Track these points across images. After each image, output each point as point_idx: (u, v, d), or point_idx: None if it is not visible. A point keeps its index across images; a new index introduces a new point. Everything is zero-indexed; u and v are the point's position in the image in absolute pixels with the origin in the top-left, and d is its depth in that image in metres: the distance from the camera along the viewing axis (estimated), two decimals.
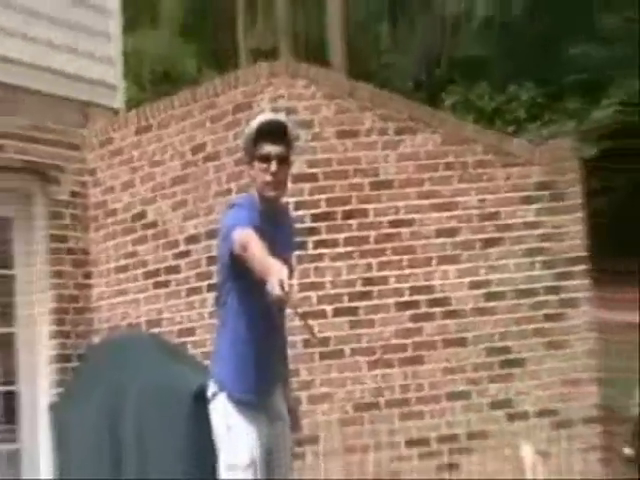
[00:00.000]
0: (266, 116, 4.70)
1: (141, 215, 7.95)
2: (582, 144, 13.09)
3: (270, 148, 4.50)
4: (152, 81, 18.44)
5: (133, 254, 7.97)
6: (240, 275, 4.37)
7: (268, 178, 4.49)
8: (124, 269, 8.02)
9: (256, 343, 4.54)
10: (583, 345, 7.44)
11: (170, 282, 7.68)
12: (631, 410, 3.46)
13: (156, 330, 7.69)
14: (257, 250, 4.15)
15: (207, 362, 7.15)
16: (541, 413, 7.35)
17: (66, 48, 8.32)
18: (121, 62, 8.99)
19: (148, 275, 7.84)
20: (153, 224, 7.85)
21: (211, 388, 4.62)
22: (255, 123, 4.57)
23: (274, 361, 4.70)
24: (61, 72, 8.25)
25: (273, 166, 4.49)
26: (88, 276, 8.20)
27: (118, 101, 8.81)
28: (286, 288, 3.84)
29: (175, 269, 7.65)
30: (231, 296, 4.51)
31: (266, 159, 4.50)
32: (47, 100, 8.11)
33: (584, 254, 7.56)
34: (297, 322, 6.25)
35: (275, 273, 3.90)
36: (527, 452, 6.64)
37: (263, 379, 4.62)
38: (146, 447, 6.91)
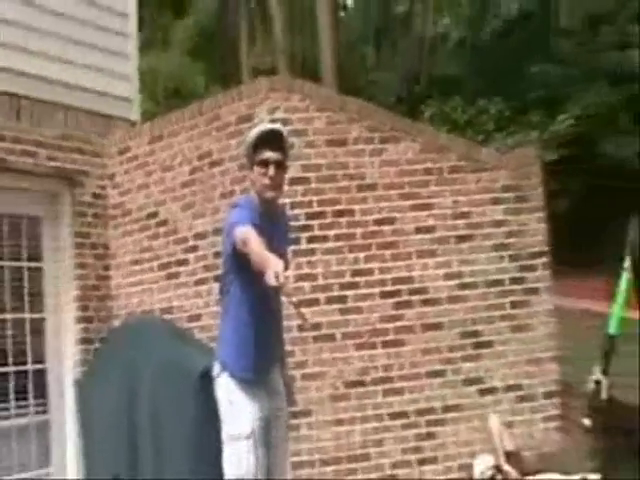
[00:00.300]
0: (265, 126, 4.69)
1: (154, 214, 7.92)
2: (543, 152, 13.08)
3: (268, 154, 4.49)
4: (165, 96, 18.41)
5: (147, 249, 7.93)
6: (241, 267, 4.36)
7: (266, 181, 4.48)
8: (139, 262, 7.98)
9: (255, 327, 4.52)
10: (544, 328, 7.42)
11: (180, 274, 7.64)
12: (587, 386, 3.44)
13: (167, 316, 7.65)
14: (255, 246, 4.14)
15: (212, 345, 7.16)
16: (507, 388, 7.32)
17: (90, 67, 8.31)
18: (137, 79, 8.97)
19: (161, 267, 7.80)
20: (165, 222, 7.82)
21: (215, 368, 4.60)
22: (255, 132, 4.55)
23: (271, 343, 4.67)
24: (86, 88, 8.25)
25: (271, 170, 4.48)
26: (108, 268, 8.18)
27: (134, 114, 8.78)
28: (281, 279, 3.84)
29: (184, 262, 7.61)
30: (233, 286, 4.49)
31: (265, 164, 4.49)
32: (74, 113, 8.11)
33: (545, 249, 7.54)
34: (292, 309, 6.24)
35: (272, 266, 3.90)
36: (494, 423, 6.61)
37: (262, 359, 4.60)
38: (159, 420, 6.88)
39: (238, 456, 4.47)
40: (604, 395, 3.46)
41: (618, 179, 14.71)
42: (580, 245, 13.96)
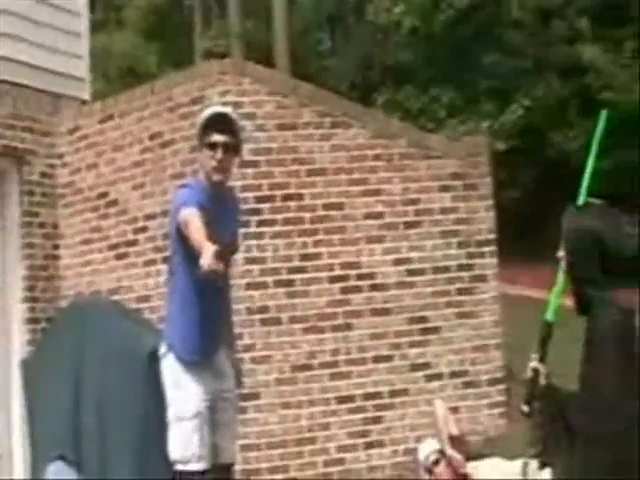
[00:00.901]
0: (214, 108, 4.68)
1: (104, 194, 7.82)
2: (493, 141, 13.15)
3: (217, 137, 4.45)
4: (118, 76, 18.20)
5: (97, 229, 7.84)
6: (187, 247, 4.32)
7: (214, 164, 4.45)
8: (88, 242, 7.90)
9: (201, 308, 4.49)
10: (490, 316, 7.46)
11: (129, 254, 7.56)
12: (526, 372, 3.46)
13: (116, 297, 7.58)
14: (194, 229, 4.15)
15: (161, 326, 7.11)
16: (453, 374, 7.36)
17: (40, 45, 8.16)
18: (89, 58, 8.85)
19: (110, 248, 7.73)
20: (115, 202, 7.73)
21: (162, 348, 4.55)
22: (205, 114, 4.53)
23: (218, 324, 4.64)
24: (36, 67, 8.11)
25: (219, 153, 4.44)
26: (56, 248, 8.07)
27: (85, 93, 8.67)
28: (211, 267, 3.85)
29: (134, 243, 7.54)
30: (180, 266, 4.45)
31: (213, 147, 4.45)
32: (23, 92, 7.97)
33: (493, 237, 7.58)
34: (241, 292, 6.20)
35: (204, 252, 3.91)
36: (439, 407, 6.62)
37: (207, 340, 4.57)
38: (106, 400, 6.83)
39: (184, 437, 4.44)
40: (542, 382, 3.47)
41: (566, 170, 14.83)
42: (528, 234, 14.08)
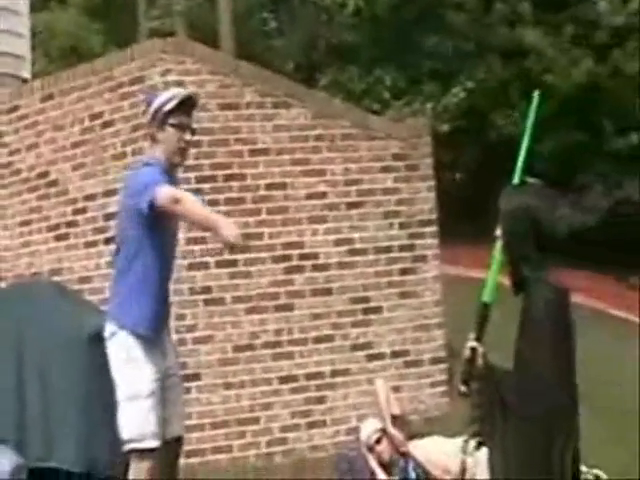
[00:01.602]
0: (183, 91, 4.72)
1: (44, 174, 7.71)
2: (436, 123, 13.18)
3: (186, 119, 4.48)
4: (61, 55, 17.90)
5: (37, 209, 7.73)
6: (152, 226, 4.33)
7: (182, 145, 4.47)
8: (28, 223, 7.78)
9: (157, 285, 4.48)
10: (431, 295, 7.49)
11: (69, 235, 7.47)
12: (464, 351, 3.45)
13: (57, 278, 7.47)
14: (195, 205, 4.25)
15: (103, 307, 7.02)
16: (395, 354, 7.39)
17: None
18: (29, 36, 8.69)
19: (50, 229, 7.63)
20: (55, 182, 7.63)
21: (109, 328, 4.48)
22: (175, 95, 4.51)
23: (167, 301, 4.62)
24: None
25: (188, 135, 4.48)
26: None
27: (26, 71, 8.52)
28: (239, 239, 4.04)
29: (74, 224, 7.44)
30: (138, 243, 4.40)
31: (182, 128, 4.46)
32: None
33: (434, 217, 7.61)
34: (183, 272, 6.14)
35: (225, 225, 4.04)
36: (381, 386, 6.63)
37: (160, 317, 4.56)
38: (48, 381, 6.73)
39: (140, 415, 4.40)
40: (479, 362, 3.46)
41: (507, 152, 14.92)
42: (470, 215, 14.16)
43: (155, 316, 4.49)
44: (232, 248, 4.22)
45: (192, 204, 4.24)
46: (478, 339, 3.52)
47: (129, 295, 4.46)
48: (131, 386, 4.41)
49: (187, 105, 4.50)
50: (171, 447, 4.55)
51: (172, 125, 4.43)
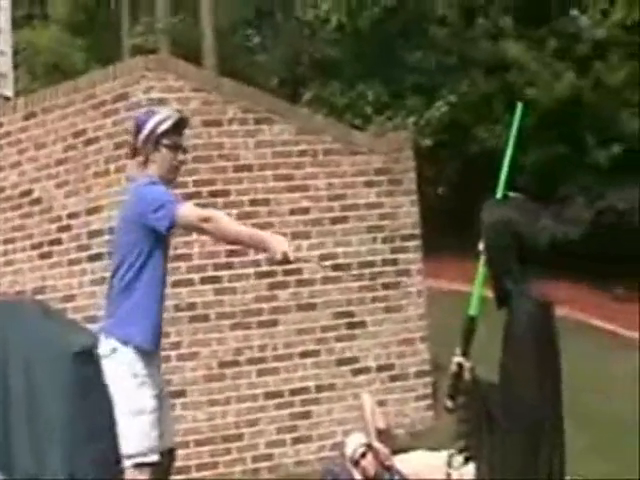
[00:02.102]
0: (174, 112, 4.77)
1: (28, 192, 7.70)
2: (419, 137, 13.22)
3: (179, 140, 4.56)
4: (44, 73, 17.90)
5: (20, 227, 7.71)
6: (159, 242, 4.40)
7: (176, 164, 4.54)
8: (12, 241, 7.76)
9: (159, 300, 4.52)
10: (416, 309, 7.51)
11: (53, 253, 7.44)
12: (450, 366, 3.45)
13: (40, 296, 7.44)
14: (234, 223, 4.40)
15: (86, 325, 7.00)
16: (380, 368, 7.39)
17: None
18: (11, 54, 8.68)
19: (33, 247, 7.60)
20: (38, 201, 7.62)
21: (109, 344, 4.47)
22: (169, 117, 4.58)
23: (162, 314, 4.67)
24: None
25: (181, 156, 4.56)
26: None
27: (8, 89, 8.51)
28: (292, 256, 4.10)
29: (58, 241, 7.43)
30: (145, 259, 4.42)
31: (176, 149, 4.53)
32: None
33: (417, 231, 7.62)
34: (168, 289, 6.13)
35: (277, 244, 4.11)
36: (366, 400, 6.64)
37: (160, 331, 4.59)
38: (34, 402, 6.69)
39: (143, 430, 4.41)
40: (466, 376, 3.47)
41: (490, 166, 14.97)
42: (453, 229, 14.19)
43: (158, 331, 4.53)
44: (283, 264, 4.23)
45: (228, 222, 4.34)
46: (464, 354, 3.53)
47: (134, 310, 4.46)
48: (136, 401, 4.42)
49: (180, 126, 4.59)
50: (165, 459, 4.57)
51: (166, 146, 4.51)
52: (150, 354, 4.50)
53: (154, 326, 4.50)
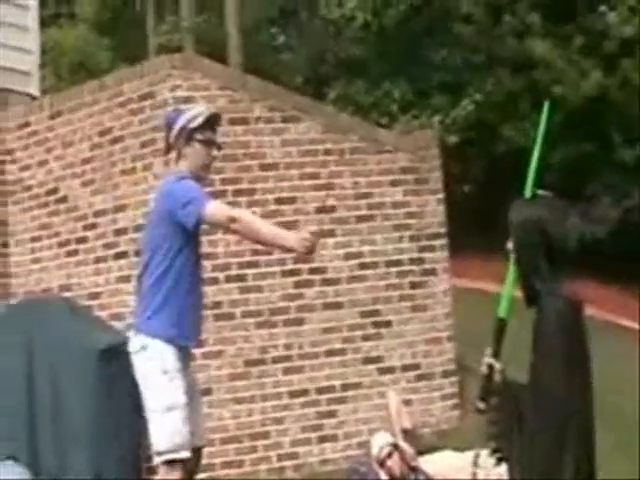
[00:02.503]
0: (207, 108, 4.84)
1: (54, 191, 7.72)
2: (445, 135, 13.19)
3: (212, 136, 4.60)
4: (70, 72, 17.99)
5: (47, 226, 7.74)
6: (190, 238, 4.44)
7: (209, 160, 4.60)
8: (38, 239, 7.79)
9: (192, 294, 4.53)
10: (442, 308, 7.48)
11: (79, 251, 7.47)
12: (481, 369, 3.43)
13: (67, 294, 7.48)
14: (259, 223, 4.41)
15: (111, 323, 7.04)
16: (406, 367, 7.37)
17: None
18: (38, 53, 8.72)
19: (60, 245, 7.63)
20: (65, 199, 7.64)
21: (139, 340, 4.48)
22: (202, 113, 4.63)
23: (201, 311, 4.70)
24: None
25: (214, 151, 4.60)
26: (6, 245, 7.95)
27: (35, 88, 8.55)
28: (315, 250, 4.17)
29: (84, 239, 7.45)
30: (175, 254, 4.44)
31: (209, 145, 4.57)
32: None
33: (443, 230, 7.60)
34: None
35: (299, 239, 4.16)
36: (392, 399, 6.62)
37: (196, 326, 4.60)
38: (59, 399, 6.76)
39: (175, 426, 4.40)
40: (497, 378, 3.46)
41: (516, 164, 14.90)
42: (479, 227, 14.14)
43: (189, 327, 4.53)
44: (309, 254, 4.26)
45: (253, 222, 4.36)
46: (495, 355, 3.51)
47: (163, 306, 4.46)
48: (168, 397, 4.41)
49: (213, 121, 4.63)
50: (193, 457, 4.56)
51: (199, 141, 4.54)
52: (181, 350, 4.50)
53: (185, 321, 4.48)
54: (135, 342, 4.52)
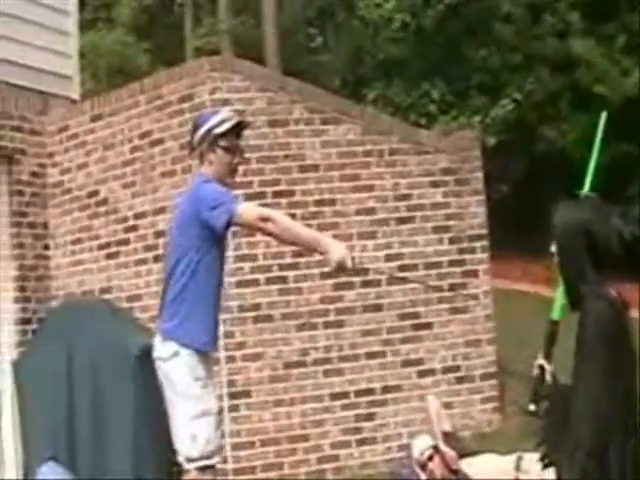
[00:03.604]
0: (233, 114, 4.74)
1: (94, 193, 7.78)
2: (484, 136, 13.12)
3: (236, 142, 4.56)
4: (108, 75, 18.12)
5: (87, 228, 7.80)
6: (218, 240, 4.41)
7: (233, 167, 4.56)
8: (79, 241, 7.85)
9: (215, 301, 4.53)
10: (482, 310, 7.44)
11: (120, 253, 7.53)
12: (532, 371, 3.43)
13: (107, 296, 7.54)
14: (294, 225, 4.40)
15: (152, 325, 7.06)
16: (446, 370, 7.34)
17: (29, 44, 8.10)
18: (78, 57, 8.80)
19: (100, 247, 7.69)
20: (105, 201, 7.69)
21: (169, 347, 4.46)
22: (228, 119, 4.57)
23: (219, 314, 4.69)
24: (25, 66, 8.05)
25: (238, 158, 4.56)
26: (47, 248, 8.02)
27: (74, 92, 8.62)
28: (349, 263, 4.10)
29: (124, 242, 7.50)
30: (201, 258, 4.42)
31: (233, 151, 4.54)
32: (12, 91, 7.92)
33: (484, 232, 7.56)
34: (233, 290, 6.15)
35: (334, 246, 4.12)
36: (432, 403, 6.60)
37: (216, 333, 4.60)
38: (98, 401, 6.81)
39: (209, 432, 4.41)
40: (548, 380, 3.45)
41: (555, 164, 14.81)
42: (517, 228, 14.07)
43: (214, 332, 4.54)
44: (338, 271, 4.17)
45: (287, 223, 4.32)
46: (547, 357, 3.50)
47: (193, 312, 4.45)
48: (201, 404, 4.42)
49: (241, 128, 4.60)
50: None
51: (223, 148, 4.50)
52: (208, 356, 4.52)
53: (211, 328, 4.49)
54: (165, 348, 4.46)
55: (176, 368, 4.45)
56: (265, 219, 4.27)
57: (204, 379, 4.45)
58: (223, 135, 4.49)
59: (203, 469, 4.41)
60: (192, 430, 4.41)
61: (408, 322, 7.25)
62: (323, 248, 4.18)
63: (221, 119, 4.56)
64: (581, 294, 3.37)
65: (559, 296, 3.51)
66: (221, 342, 6.75)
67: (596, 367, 3.25)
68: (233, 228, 4.52)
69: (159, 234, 7.18)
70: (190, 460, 4.41)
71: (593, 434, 3.23)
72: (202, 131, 4.53)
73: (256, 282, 6.94)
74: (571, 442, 3.29)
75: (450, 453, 6.06)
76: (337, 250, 4.11)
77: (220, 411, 4.50)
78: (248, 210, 4.35)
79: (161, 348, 4.48)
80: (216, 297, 4.53)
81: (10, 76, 7.90)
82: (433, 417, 6.37)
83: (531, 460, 5.28)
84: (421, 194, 7.40)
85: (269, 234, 4.41)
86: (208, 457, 4.41)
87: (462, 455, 6.17)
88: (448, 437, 6.23)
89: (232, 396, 6.77)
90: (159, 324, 4.59)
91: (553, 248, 3.47)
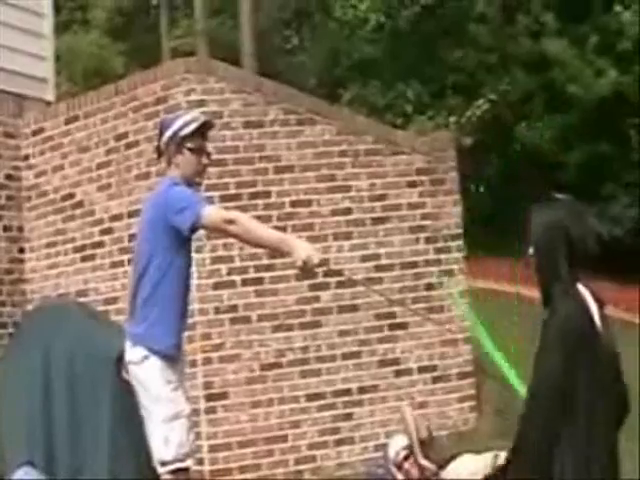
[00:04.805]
0: (198, 116, 4.73)
1: (70, 196, 7.74)
2: (460, 136, 13.16)
3: (203, 144, 4.56)
4: (84, 77, 18.06)
5: (62, 231, 7.76)
6: (183, 245, 4.40)
7: (200, 168, 4.55)
8: (54, 244, 7.81)
9: (183, 305, 4.53)
10: (458, 310, 7.45)
11: (96, 256, 7.48)
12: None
13: (83, 299, 7.49)
14: (259, 226, 4.33)
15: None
16: (422, 369, 7.35)
17: (4, 46, 8.05)
18: (53, 59, 8.74)
19: (76, 250, 7.64)
20: (80, 204, 7.65)
21: (139, 352, 4.44)
22: (193, 120, 4.56)
23: (187, 317, 4.69)
24: None
25: (205, 159, 4.55)
26: (22, 251, 7.97)
27: (50, 94, 8.57)
28: (315, 261, 4.04)
29: (100, 244, 7.47)
30: (169, 263, 4.40)
31: (199, 152, 4.52)
32: None
33: (460, 231, 7.58)
34: (209, 292, 6.11)
35: (303, 249, 4.07)
36: (407, 413, 6.55)
37: (183, 335, 4.59)
38: (76, 405, 6.76)
39: (181, 435, 4.41)
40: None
41: (532, 164, 14.88)
42: (492, 227, 14.12)
43: (181, 336, 4.53)
44: (305, 270, 4.12)
45: (251, 224, 4.29)
46: None
47: (160, 316, 4.44)
48: (173, 407, 4.42)
49: (205, 129, 4.58)
50: None
51: (189, 149, 4.50)
52: (178, 358, 4.52)
53: (178, 332, 4.50)
54: (136, 352, 4.46)
55: (147, 372, 4.44)
56: (229, 221, 4.25)
57: (175, 382, 4.44)
58: (189, 136, 4.49)
59: (176, 472, 4.40)
60: (164, 433, 4.40)
61: (384, 322, 7.25)
62: (288, 248, 4.14)
63: (186, 121, 4.55)
64: (552, 293, 3.38)
65: None
66: (198, 344, 6.77)
67: (550, 367, 3.25)
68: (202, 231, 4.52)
69: (135, 236, 7.13)
70: (163, 463, 4.40)
71: (535, 440, 3.23)
72: (168, 134, 4.52)
73: (232, 284, 6.92)
74: (519, 442, 3.29)
75: (430, 467, 6.01)
76: (303, 250, 4.07)
77: (193, 414, 4.47)
78: (213, 213, 4.33)
79: (131, 352, 4.48)
80: (184, 300, 4.52)
81: None
82: (410, 428, 6.31)
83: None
84: (397, 194, 7.40)
85: (234, 236, 4.41)
86: (181, 460, 4.40)
87: (440, 460, 6.14)
88: (425, 446, 6.17)
89: (209, 398, 6.75)
90: (128, 328, 4.57)
91: (531, 251, 3.47)
